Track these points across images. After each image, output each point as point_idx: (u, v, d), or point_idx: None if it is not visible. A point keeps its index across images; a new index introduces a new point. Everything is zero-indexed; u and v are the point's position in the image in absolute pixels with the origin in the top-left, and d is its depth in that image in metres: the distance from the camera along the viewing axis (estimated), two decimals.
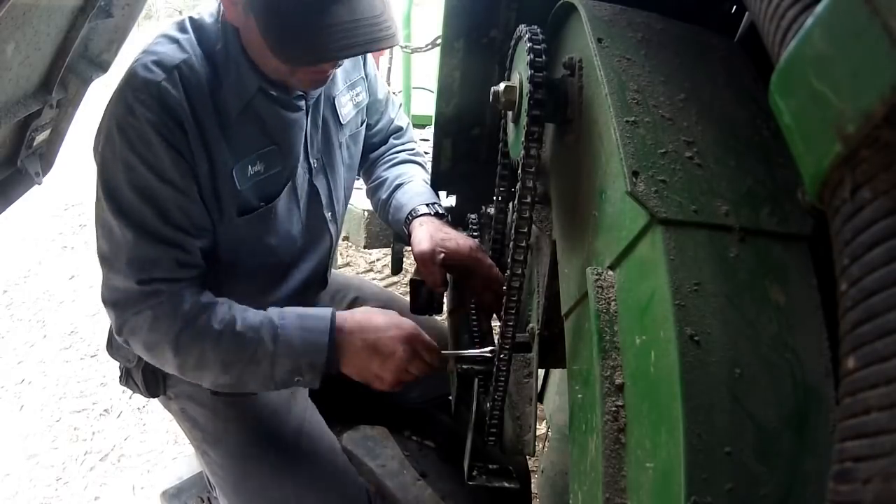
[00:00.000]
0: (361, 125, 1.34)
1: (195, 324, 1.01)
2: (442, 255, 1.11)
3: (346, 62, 1.25)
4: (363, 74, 1.32)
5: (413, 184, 1.32)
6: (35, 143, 1.79)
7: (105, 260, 1.03)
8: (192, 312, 1.01)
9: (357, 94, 1.29)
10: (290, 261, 1.22)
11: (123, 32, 1.78)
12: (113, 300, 1.04)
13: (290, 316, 1.05)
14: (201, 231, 1.05)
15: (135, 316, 1.02)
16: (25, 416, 2.56)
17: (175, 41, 1.01)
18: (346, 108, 1.26)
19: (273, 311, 1.06)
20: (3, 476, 2.28)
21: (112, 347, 1.27)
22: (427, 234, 1.15)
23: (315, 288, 1.35)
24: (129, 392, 1.33)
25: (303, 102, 1.13)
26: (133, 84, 0.97)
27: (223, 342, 1.01)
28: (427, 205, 1.24)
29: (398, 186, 1.33)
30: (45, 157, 1.96)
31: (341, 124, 1.25)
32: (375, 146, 1.46)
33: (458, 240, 1.14)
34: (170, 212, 0.99)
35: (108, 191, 0.99)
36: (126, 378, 1.28)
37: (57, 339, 3.00)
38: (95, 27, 1.65)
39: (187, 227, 1.02)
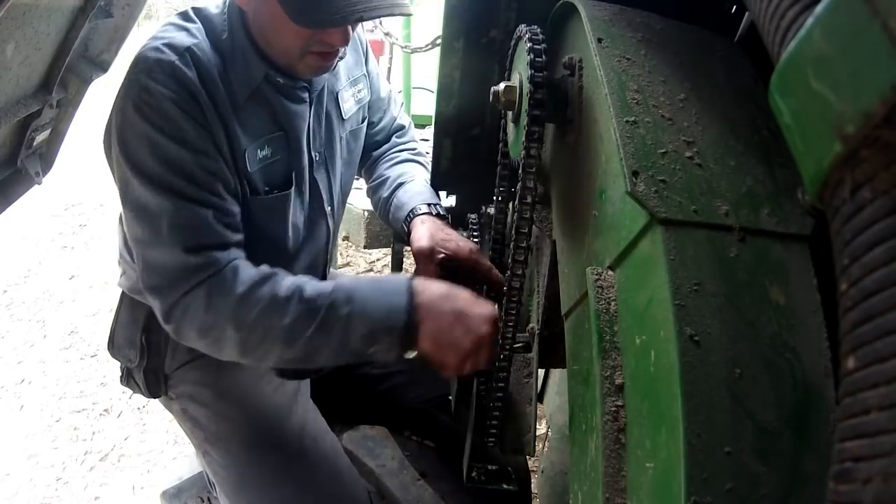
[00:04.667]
0: (363, 122, 1.34)
1: (257, 293, 0.96)
2: (441, 255, 1.12)
3: (349, 58, 1.26)
4: (365, 72, 1.32)
5: (414, 183, 1.32)
6: (35, 143, 1.79)
7: (142, 242, 1.00)
8: (253, 282, 0.97)
9: (359, 91, 1.30)
10: (291, 252, 1.22)
11: (123, 32, 1.78)
12: (158, 283, 0.99)
13: (363, 279, 1.04)
14: (233, 196, 1.04)
15: (185, 296, 0.97)
16: (25, 416, 2.56)
17: (183, 28, 1.02)
18: (349, 103, 1.26)
19: (344, 277, 1.05)
20: (3, 476, 2.28)
21: (113, 347, 1.26)
22: (427, 232, 1.15)
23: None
24: (129, 392, 1.33)
25: (307, 94, 1.13)
26: (145, 65, 0.96)
27: (291, 309, 0.95)
28: (428, 205, 1.24)
29: (399, 185, 1.33)
30: (45, 157, 1.95)
31: (343, 119, 1.25)
32: (378, 144, 1.45)
33: (459, 241, 1.15)
34: (199, 177, 0.98)
35: (136, 168, 0.97)
36: (127, 378, 1.28)
37: (57, 339, 3.00)
38: (95, 27, 1.65)
39: (219, 189, 1.01)
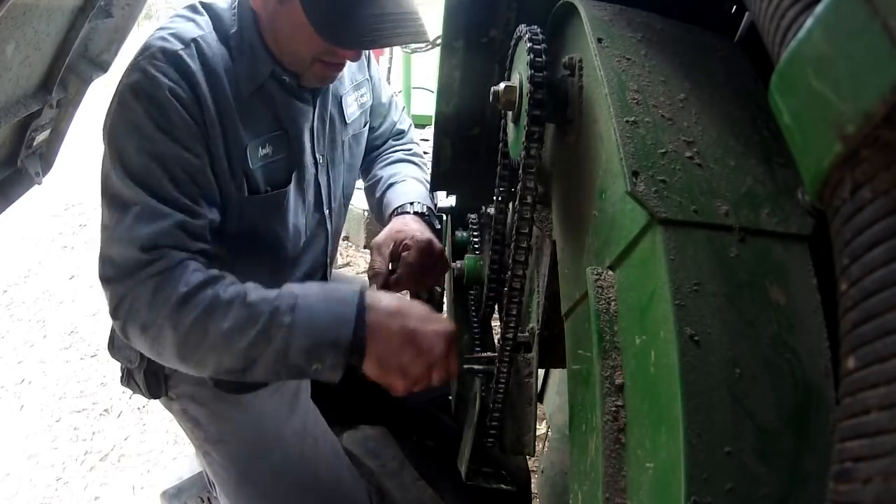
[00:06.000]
0: (364, 126, 1.36)
1: (201, 294, 0.91)
2: (391, 246, 1.16)
3: (352, 63, 1.27)
4: (367, 76, 1.35)
5: (404, 183, 1.33)
6: (35, 143, 1.79)
7: (106, 230, 0.97)
8: (198, 282, 0.92)
9: (362, 96, 1.31)
10: (293, 254, 1.23)
11: (123, 32, 1.78)
12: (109, 275, 0.96)
13: (312, 286, 0.95)
14: (210, 202, 1.03)
15: (133, 290, 0.93)
16: (25, 416, 2.56)
17: (191, 20, 1.03)
18: (352, 107, 1.28)
19: (293, 284, 0.97)
20: (3, 476, 2.28)
21: (114, 348, 1.26)
22: (388, 227, 1.20)
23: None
24: (129, 392, 1.33)
25: (310, 95, 1.14)
26: (149, 52, 0.97)
27: (231, 313, 0.90)
28: (411, 203, 1.25)
29: (390, 186, 1.35)
30: (45, 157, 1.96)
31: (346, 123, 1.27)
32: (376, 148, 1.47)
33: (415, 234, 1.16)
34: (179, 177, 0.97)
35: (119, 156, 0.96)
36: (127, 379, 1.28)
37: (57, 339, 3.00)
38: (95, 27, 1.65)
39: (196, 194, 0.99)
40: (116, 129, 0.97)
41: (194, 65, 0.98)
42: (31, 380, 2.75)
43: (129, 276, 0.93)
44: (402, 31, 0.99)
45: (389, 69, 4.22)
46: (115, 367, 1.31)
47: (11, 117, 1.50)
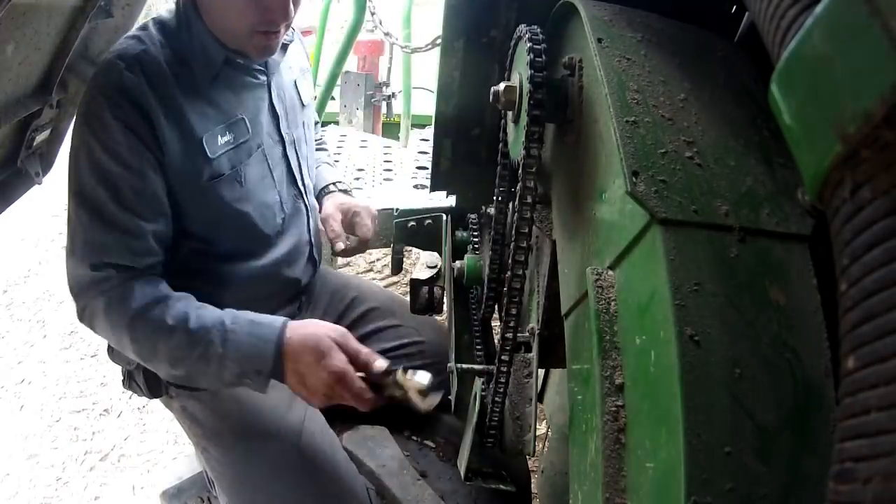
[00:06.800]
0: (313, 116, 1.51)
1: (149, 315, 1.05)
2: (340, 215, 1.38)
3: (297, 50, 1.37)
4: (308, 66, 1.46)
5: (320, 169, 1.54)
6: (35, 143, 1.79)
7: (67, 249, 1.10)
8: (145, 303, 1.06)
9: (309, 84, 1.43)
10: (271, 232, 1.26)
11: (123, 32, 1.78)
12: (72, 287, 1.10)
13: (241, 321, 1.08)
14: (156, 216, 1.09)
15: (89, 304, 1.08)
16: (25, 416, 2.56)
17: (135, 37, 1.10)
18: (307, 93, 1.39)
19: (227, 314, 1.09)
20: (3, 476, 2.28)
21: (113, 352, 1.26)
22: (331, 201, 1.44)
23: (303, 263, 1.38)
24: (130, 392, 1.33)
25: (264, 77, 1.21)
26: (96, 78, 1.06)
27: (175, 338, 1.05)
28: (333, 183, 1.49)
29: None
30: (45, 157, 1.95)
31: (304, 105, 1.36)
32: None
33: (357, 202, 1.43)
34: (123, 193, 1.05)
35: (72, 177, 1.07)
36: (129, 381, 1.29)
37: (57, 339, 3.00)
38: (95, 27, 1.65)
39: (141, 210, 1.07)
40: (73, 151, 1.08)
41: (135, 77, 1.03)
42: (31, 380, 2.75)
43: (84, 291, 1.08)
44: None
45: (389, 69, 4.22)
46: (115, 367, 1.31)
47: (11, 117, 1.50)
